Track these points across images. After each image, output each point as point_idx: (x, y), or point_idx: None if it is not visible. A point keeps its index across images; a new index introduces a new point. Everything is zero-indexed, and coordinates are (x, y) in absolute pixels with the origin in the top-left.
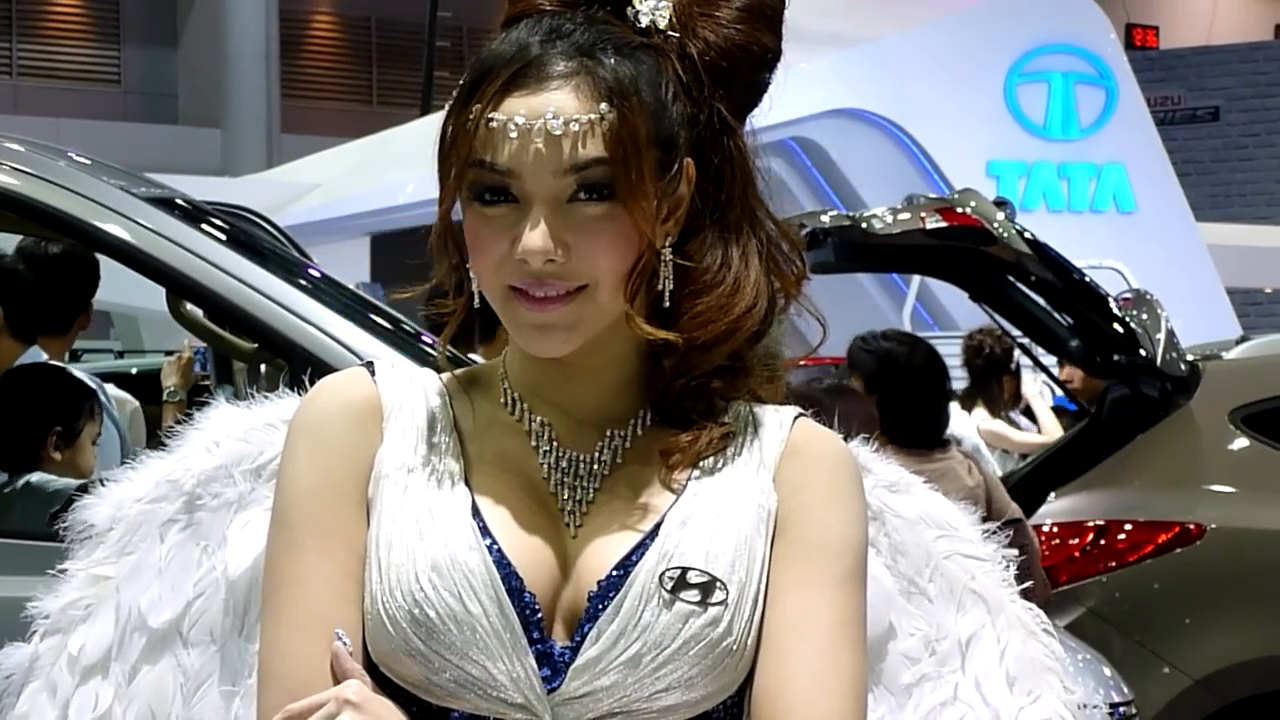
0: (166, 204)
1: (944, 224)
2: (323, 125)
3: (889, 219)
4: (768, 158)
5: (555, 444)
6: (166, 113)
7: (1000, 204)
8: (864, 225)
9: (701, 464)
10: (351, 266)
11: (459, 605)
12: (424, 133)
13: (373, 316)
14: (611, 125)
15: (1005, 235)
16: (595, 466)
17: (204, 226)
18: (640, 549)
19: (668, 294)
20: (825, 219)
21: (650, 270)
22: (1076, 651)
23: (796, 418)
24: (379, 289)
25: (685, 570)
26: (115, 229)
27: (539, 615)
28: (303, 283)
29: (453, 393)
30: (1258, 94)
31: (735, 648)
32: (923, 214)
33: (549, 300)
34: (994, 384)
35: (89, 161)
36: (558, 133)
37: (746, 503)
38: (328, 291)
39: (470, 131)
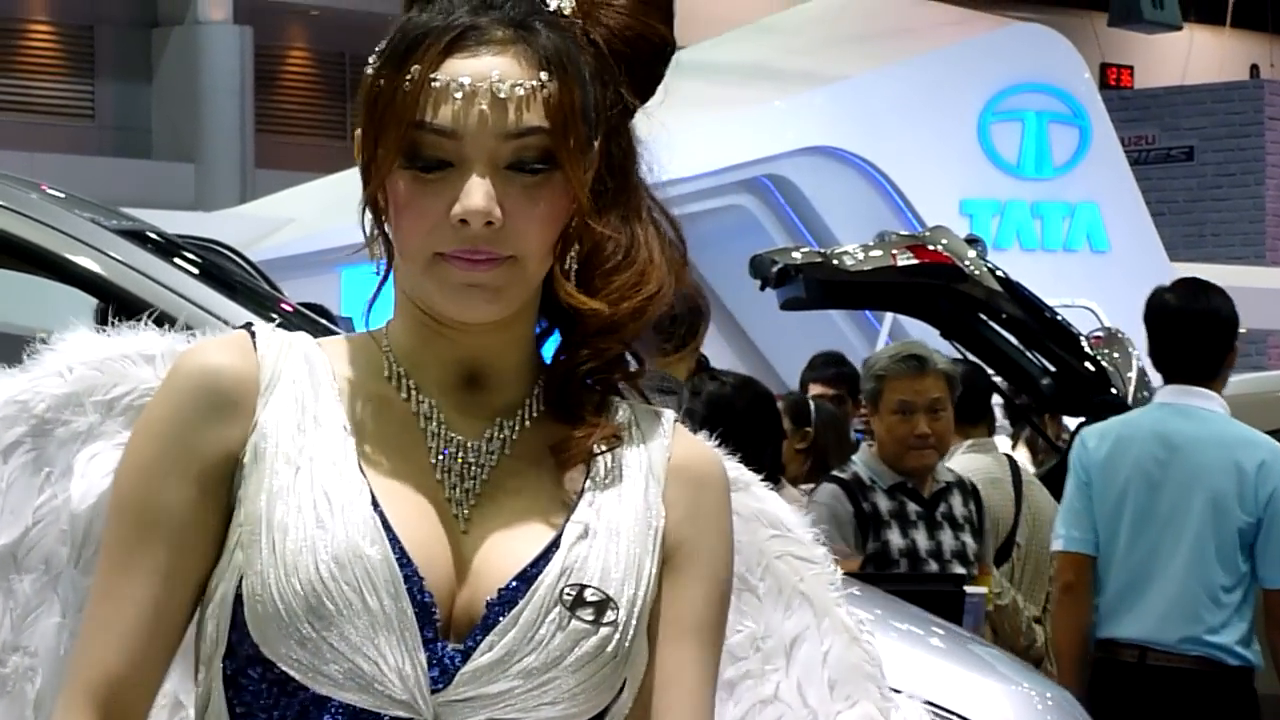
0: (138, 237)
1: (915, 261)
2: (297, 160)
3: (860, 256)
4: (741, 194)
5: (443, 428)
6: (140, 147)
7: (972, 241)
8: (835, 262)
9: (593, 468)
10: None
11: (359, 599)
12: None
13: None
14: (551, 94)
15: (977, 273)
16: (483, 457)
17: (176, 260)
18: (542, 561)
19: (573, 272)
20: (797, 255)
21: (578, 238)
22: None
23: (675, 421)
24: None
25: (583, 588)
26: (87, 262)
27: (435, 616)
28: (273, 316)
29: (334, 362)
30: (1232, 134)
31: (619, 666)
32: (894, 251)
33: (480, 261)
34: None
35: (62, 195)
36: (503, 95)
37: (639, 518)
38: (299, 325)
39: (410, 92)
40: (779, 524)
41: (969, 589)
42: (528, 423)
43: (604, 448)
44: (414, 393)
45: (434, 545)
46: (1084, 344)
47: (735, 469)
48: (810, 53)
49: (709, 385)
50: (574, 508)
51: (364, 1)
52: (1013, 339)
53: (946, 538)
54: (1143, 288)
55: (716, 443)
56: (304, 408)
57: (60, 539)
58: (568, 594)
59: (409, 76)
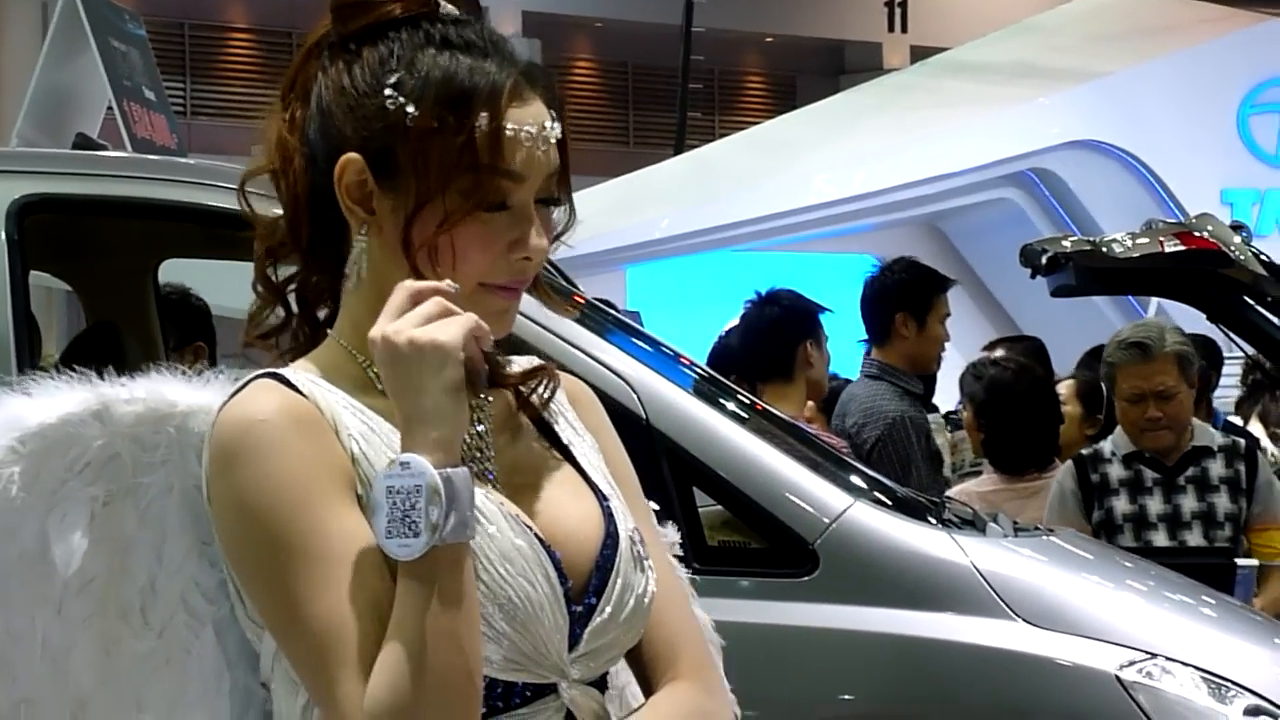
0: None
1: (1182, 247)
2: (582, 165)
3: (1128, 243)
4: (1008, 188)
5: None
6: None
7: (1236, 228)
8: (1104, 249)
9: (548, 421)
10: (610, 296)
11: (530, 587)
12: (678, 171)
13: (633, 339)
14: (562, 134)
15: (1242, 258)
16: (486, 437)
17: None
18: (610, 518)
19: None
20: (1066, 244)
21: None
22: None
23: (538, 363)
24: (638, 315)
25: (634, 531)
26: None
27: (569, 587)
28: (569, 309)
29: (345, 389)
30: None
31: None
32: (1161, 238)
33: (517, 289)
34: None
35: None
36: (554, 140)
37: (598, 456)
38: (592, 317)
39: (483, 140)
40: None
41: (1240, 562)
42: (485, 399)
43: (546, 388)
44: None
45: (535, 525)
46: None
47: None
48: (1073, 50)
49: (990, 370)
50: (576, 463)
51: (645, 13)
52: (1278, 321)
53: (1188, 501)
54: None
55: (998, 425)
56: (375, 432)
57: (40, 600)
58: (632, 540)
59: (479, 125)
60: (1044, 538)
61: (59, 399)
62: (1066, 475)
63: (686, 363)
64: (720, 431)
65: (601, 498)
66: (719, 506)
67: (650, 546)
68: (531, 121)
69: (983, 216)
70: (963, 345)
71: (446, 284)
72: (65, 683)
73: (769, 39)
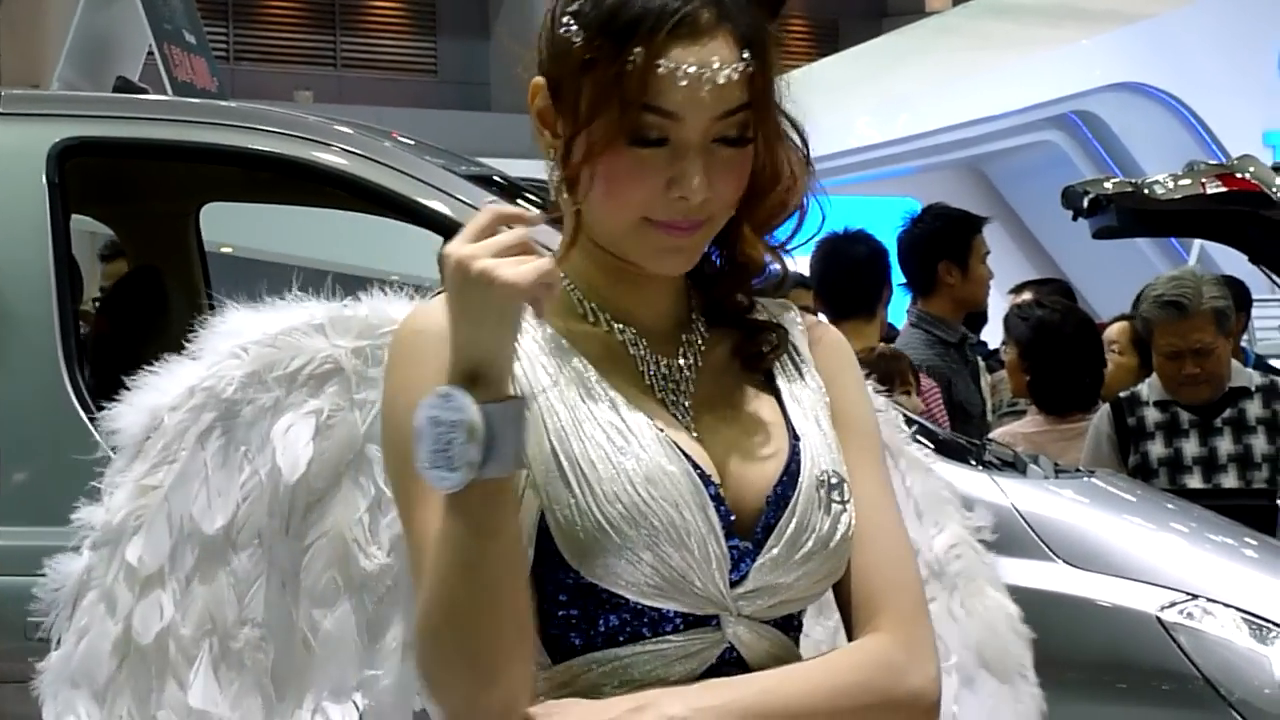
0: (486, 181)
1: (1224, 189)
2: None
3: (1170, 185)
4: (1051, 130)
5: (649, 352)
6: (481, 100)
7: (1278, 169)
8: (1146, 191)
9: (771, 364)
10: None
11: (675, 512)
12: None
13: None
14: (754, 73)
15: None
16: (687, 372)
17: (519, 201)
18: (794, 456)
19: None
20: (1108, 186)
21: (782, 205)
22: None
23: (790, 307)
24: None
25: (828, 473)
26: (438, 205)
27: (733, 518)
28: None
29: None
30: None
31: (851, 539)
32: (1203, 180)
33: (684, 229)
34: None
35: (412, 142)
36: (721, 82)
37: (819, 400)
38: None
39: (634, 75)
40: None
41: None
42: (706, 336)
43: (772, 344)
44: (614, 324)
45: (702, 454)
46: None
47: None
48: None
49: (1038, 311)
50: (783, 404)
51: None
52: None
53: (1224, 443)
54: None
55: (1043, 367)
56: (544, 351)
57: (269, 511)
58: (822, 482)
59: (631, 59)
60: (1085, 479)
61: (282, 312)
62: (1103, 419)
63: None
64: None
65: (794, 437)
66: None
67: (867, 495)
68: (694, 60)
69: (1025, 159)
70: (1005, 287)
71: (535, 214)
72: (296, 607)
73: None
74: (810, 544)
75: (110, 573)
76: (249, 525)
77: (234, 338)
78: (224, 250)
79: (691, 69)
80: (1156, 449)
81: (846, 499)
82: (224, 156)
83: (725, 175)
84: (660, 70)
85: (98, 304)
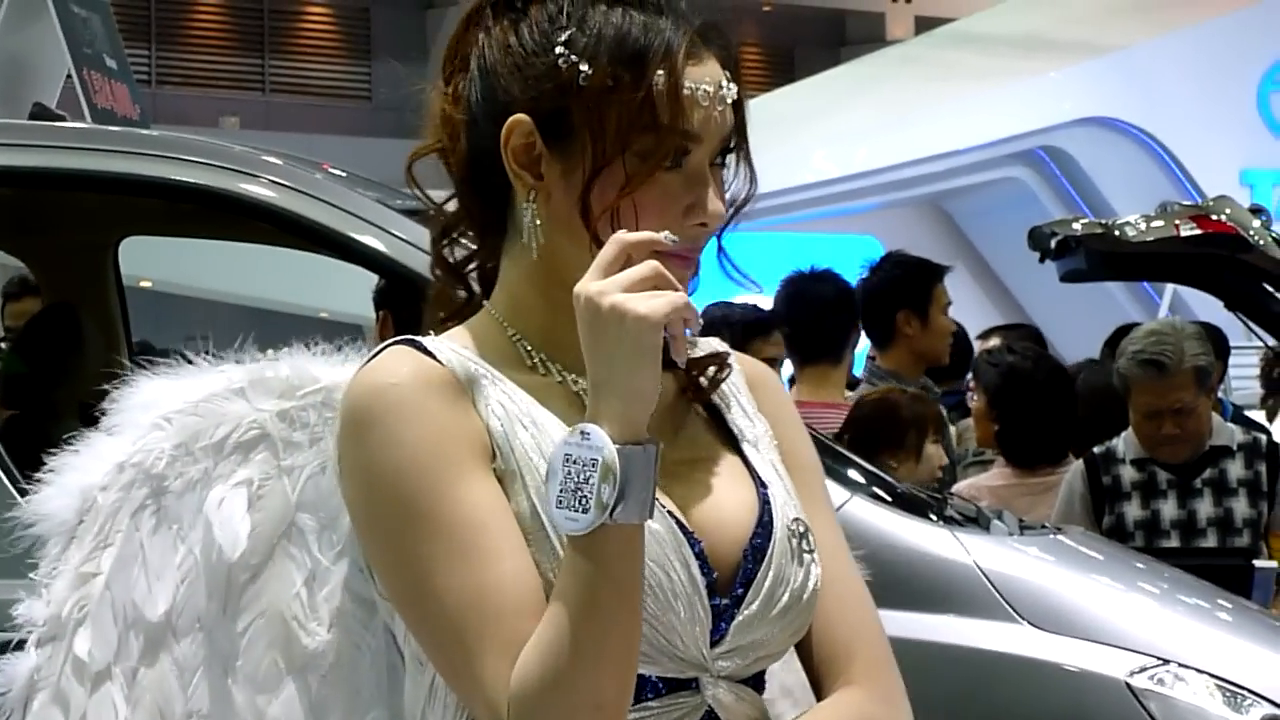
0: (422, 215)
1: (1198, 231)
2: None
3: (1142, 226)
4: (1017, 167)
5: None
6: (418, 128)
7: (1256, 211)
8: (1116, 233)
9: (717, 404)
10: None
11: (664, 574)
12: None
13: None
14: (739, 95)
15: (1261, 243)
16: None
17: None
18: (766, 506)
19: None
20: (1077, 226)
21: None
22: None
23: (723, 344)
24: None
25: (797, 522)
26: (372, 240)
27: (713, 575)
28: None
29: (490, 361)
30: None
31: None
32: (1177, 221)
33: (689, 257)
34: None
35: (344, 174)
36: (730, 100)
37: (770, 443)
38: None
39: (661, 98)
40: None
41: (1259, 563)
42: None
43: (718, 371)
44: (567, 375)
45: (674, 508)
46: None
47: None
48: (1086, 22)
49: (1008, 357)
50: (740, 448)
51: None
52: None
53: (1204, 505)
54: None
55: (1013, 416)
56: (515, 404)
57: (208, 593)
58: (792, 531)
59: (655, 82)
60: (1051, 536)
61: (198, 378)
62: (1076, 477)
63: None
64: None
65: (760, 484)
66: None
67: (824, 541)
68: (709, 80)
69: (990, 197)
70: (969, 332)
71: (664, 235)
72: (239, 695)
73: (766, 7)
74: (786, 598)
75: (59, 670)
76: (188, 609)
77: (153, 409)
78: (143, 285)
79: (709, 87)
80: (1133, 510)
81: (814, 548)
82: (145, 188)
83: (721, 199)
84: (686, 91)
85: (4, 344)
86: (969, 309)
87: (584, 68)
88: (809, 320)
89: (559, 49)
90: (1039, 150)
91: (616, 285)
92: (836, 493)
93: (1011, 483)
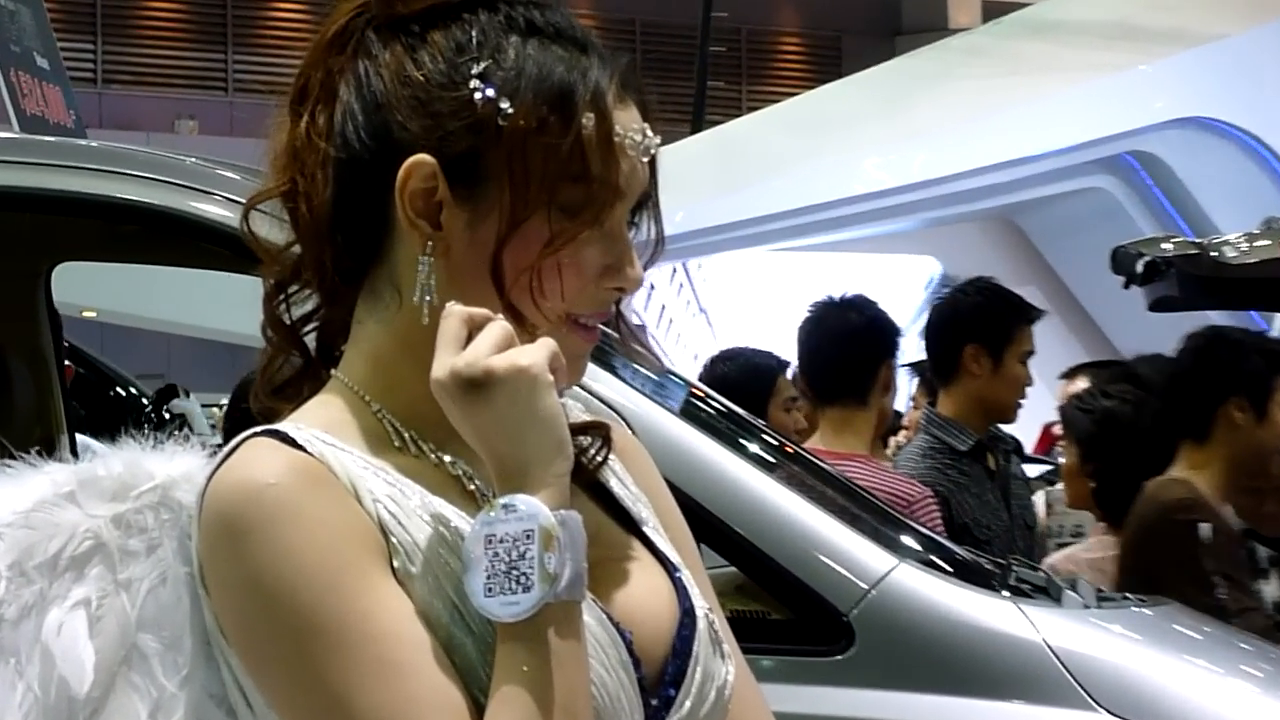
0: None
1: None
2: None
3: (1245, 246)
4: (1101, 174)
5: (482, 484)
6: None
7: None
8: (1214, 253)
9: (603, 482)
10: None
11: (606, 674)
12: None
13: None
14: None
15: None
16: None
17: None
18: (683, 595)
19: None
20: (1168, 246)
21: None
22: None
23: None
24: (644, 328)
25: (710, 609)
26: None
27: (642, 675)
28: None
29: (357, 446)
30: None
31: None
32: None
33: (594, 328)
34: None
35: None
36: (655, 151)
37: (657, 521)
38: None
39: (592, 146)
40: None
41: None
42: None
43: (599, 443)
44: (439, 455)
45: (599, 601)
46: None
47: None
48: (1182, 7)
49: (1104, 402)
50: (640, 531)
51: None
52: None
53: None
54: None
55: (1111, 471)
56: (403, 494)
57: None
58: (709, 620)
59: (585, 127)
60: (1134, 610)
61: (22, 482)
62: None
63: (698, 394)
64: (735, 476)
65: (671, 569)
66: (732, 568)
67: (721, 626)
68: (635, 128)
69: (1069, 210)
70: (1045, 372)
71: (498, 318)
72: None
73: None
74: (713, 696)
75: None
76: None
77: None
78: (87, 315)
79: (636, 137)
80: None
81: (723, 634)
82: (82, 207)
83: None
84: (616, 139)
85: None
86: (1046, 341)
87: (504, 105)
88: (832, 354)
89: (473, 82)
90: (1127, 156)
91: (478, 352)
92: (882, 559)
93: (1112, 553)
